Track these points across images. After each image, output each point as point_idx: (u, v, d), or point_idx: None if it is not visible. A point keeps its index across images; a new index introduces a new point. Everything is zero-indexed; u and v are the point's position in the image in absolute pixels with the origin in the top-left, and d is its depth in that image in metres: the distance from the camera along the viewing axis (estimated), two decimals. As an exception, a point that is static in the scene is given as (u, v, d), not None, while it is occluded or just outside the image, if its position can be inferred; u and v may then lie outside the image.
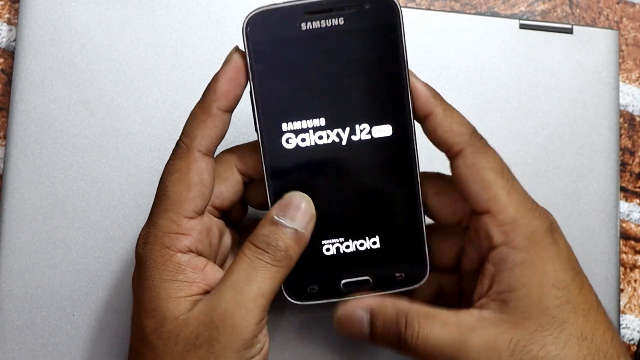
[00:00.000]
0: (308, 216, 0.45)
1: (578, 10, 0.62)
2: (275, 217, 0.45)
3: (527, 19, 0.59)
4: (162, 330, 0.43)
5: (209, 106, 0.45)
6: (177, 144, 0.45)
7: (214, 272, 0.45)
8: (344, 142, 0.45)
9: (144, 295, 0.44)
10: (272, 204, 0.45)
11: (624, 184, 0.60)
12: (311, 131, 0.45)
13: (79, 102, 0.54)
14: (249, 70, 0.44)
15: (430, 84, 0.46)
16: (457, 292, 0.48)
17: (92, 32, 0.55)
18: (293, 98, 0.45)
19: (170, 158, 0.45)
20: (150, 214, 0.45)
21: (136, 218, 0.53)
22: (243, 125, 0.55)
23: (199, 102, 0.45)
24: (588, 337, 0.43)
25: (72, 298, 0.53)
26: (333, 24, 0.44)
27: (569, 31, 0.58)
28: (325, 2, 0.44)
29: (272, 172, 0.45)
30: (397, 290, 0.46)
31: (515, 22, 0.58)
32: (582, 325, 0.43)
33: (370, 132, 0.45)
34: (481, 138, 0.46)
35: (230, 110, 0.45)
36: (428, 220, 0.48)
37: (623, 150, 0.60)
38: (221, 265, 0.47)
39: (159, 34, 0.55)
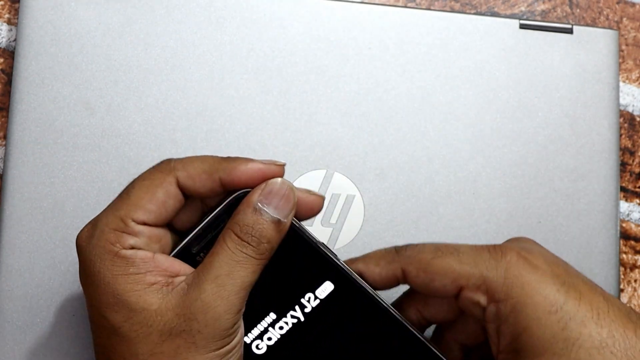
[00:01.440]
0: (290, 204, 0.45)
1: (578, 10, 0.62)
2: (259, 204, 0.44)
3: (527, 19, 0.59)
4: (133, 321, 0.43)
5: (233, 165, 0.45)
6: (166, 160, 0.45)
7: (163, 259, 0.44)
8: (302, 319, 0.46)
9: (98, 291, 0.44)
10: None
11: (624, 184, 0.60)
12: (270, 328, 0.45)
13: (79, 102, 0.54)
14: None
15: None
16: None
17: (92, 32, 0.55)
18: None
19: (152, 167, 0.45)
20: (104, 209, 0.45)
21: (136, 218, 0.53)
22: (243, 126, 0.55)
23: (227, 157, 0.46)
24: (608, 343, 0.42)
25: (72, 298, 0.53)
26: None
27: (569, 31, 0.58)
28: (202, 230, 0.45)
29: None
30: None
31: (515, 22, 0.58)
32: (597, 333, 0.42)
33: (317, 297, 0.46)
34: (399, 248, 0.47)
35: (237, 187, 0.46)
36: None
37: (623, 150, 0.60)
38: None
39: (159, 34, 0.55)
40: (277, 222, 0.44)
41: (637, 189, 0.61)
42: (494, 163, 0.56)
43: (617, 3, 0.62)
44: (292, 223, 0.45)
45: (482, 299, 0.45)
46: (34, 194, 0.53)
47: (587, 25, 0.61)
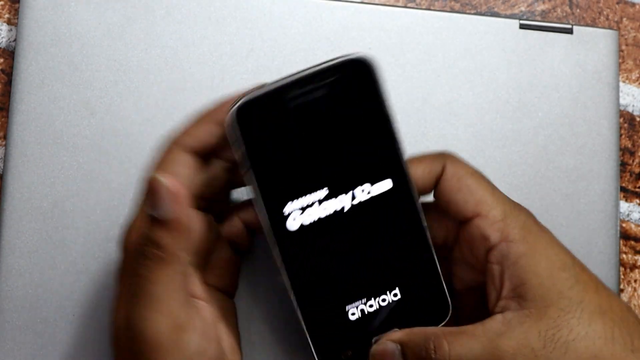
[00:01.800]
0: (169, 198, 0.41)
1: (578, 10, 0.62)
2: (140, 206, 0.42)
3: (527, 19, 0.59)
4: None
5: (212, 113, 0.45)
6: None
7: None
8: (348, 206, 0.46)
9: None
10: (293, 289, 0.46)
11: (624, 184, 0.60)
12: (316, 204, 0.46)
13: (79, 102, 0.54)
14: (246, 160, 0.45)
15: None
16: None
17: (92, 32, 0.55)
18: (293, 176, 0.45)
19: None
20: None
21: (136, 218, 0.53)
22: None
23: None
24: (607, 310, 0.44)
25: (72, 298, 0.53)
26: (316, 96, 0.45)
27: (569, 31, 0.58)
28: (302, 79, 0.45)
29: (284, 253, 0.46)
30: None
31: (515, 22, 0.58)
32: (598, 300, 0.44)
33: (371, 191, 0.46)
34: (450, 152, 0.47)
35: None
36: None
37: (623, 150, 0.60)
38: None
39: (159, 34, 0.55)
40: (164, 222, 0.41)
41: (637, 189, 0.61)
42: (494, 163, 0.56)
43: (617, 3, 0.62)
44: (385, 110, 0.45)
45: (493, 236, 0.45)
46: (34, 194, 0.53)
47: (587, 25, 0.61)
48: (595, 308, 0.44)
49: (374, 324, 0.47)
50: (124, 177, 0.54)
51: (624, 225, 0.60)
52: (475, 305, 0.48)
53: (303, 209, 0.45)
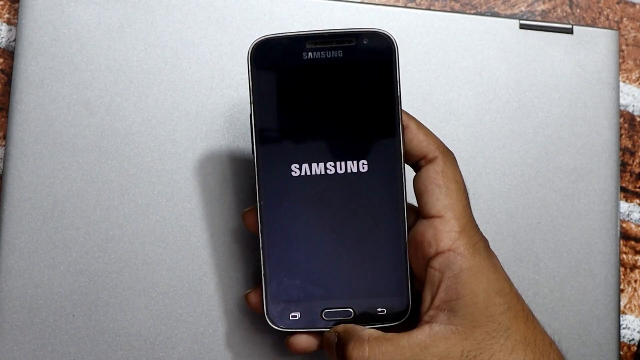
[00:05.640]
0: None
1: (578, 10, 0.62)
2: None
3: (527, 19, 0.59)
4: None
5: None
6: None
7: None
8: (334, 174, 0.46)
9: None
10: (261, 226, 0.46)
11: (624, 184, 0.60)
12: (306, 162, 0.46)
13: (79, 102, 0.54)
14: (250, 95, 0.46)
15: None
16: None
17: (92, 32, 0.55)
18: (290, 126, 0.46)
19: None
20: None
21: (136, 218, 0.53)
22: (243, 126, 0.55)
23: None
24: (531, 342, 0.45)
25: (72, 298, 0.53)
26: (333, 56, 0.46)
27: (569, 31, 0.58)
28: (327, 34, 0.45)
29: (265, 196, 0.46)
30: (378, 325, 0.47)
31: (515, 22, 0.58)
32: (524, 331, 0.45)
33: (360, 166, 0.46)
34: (452, 153, 0.47)
35: None
36: None
37: (623, 150, 0.60)
38: None
39: (159, 34, 0.55)
40: None
41: (637, 189, 0.61)
42: (494, 163, 0.56)
43: (617, 3, 0.62)
44: (395, 92, 0.46)
45: (443, 242, 0.45)
46: (34, 194, 0.53)
47: (587, 25, 0.61)
48: (520, 338, 0.44)
49: (329, 295, 0.47)
50: (124, 177, 0.54)
51: (624, 225, 0.60)
52: None
53: (292, 161, 0.46)
